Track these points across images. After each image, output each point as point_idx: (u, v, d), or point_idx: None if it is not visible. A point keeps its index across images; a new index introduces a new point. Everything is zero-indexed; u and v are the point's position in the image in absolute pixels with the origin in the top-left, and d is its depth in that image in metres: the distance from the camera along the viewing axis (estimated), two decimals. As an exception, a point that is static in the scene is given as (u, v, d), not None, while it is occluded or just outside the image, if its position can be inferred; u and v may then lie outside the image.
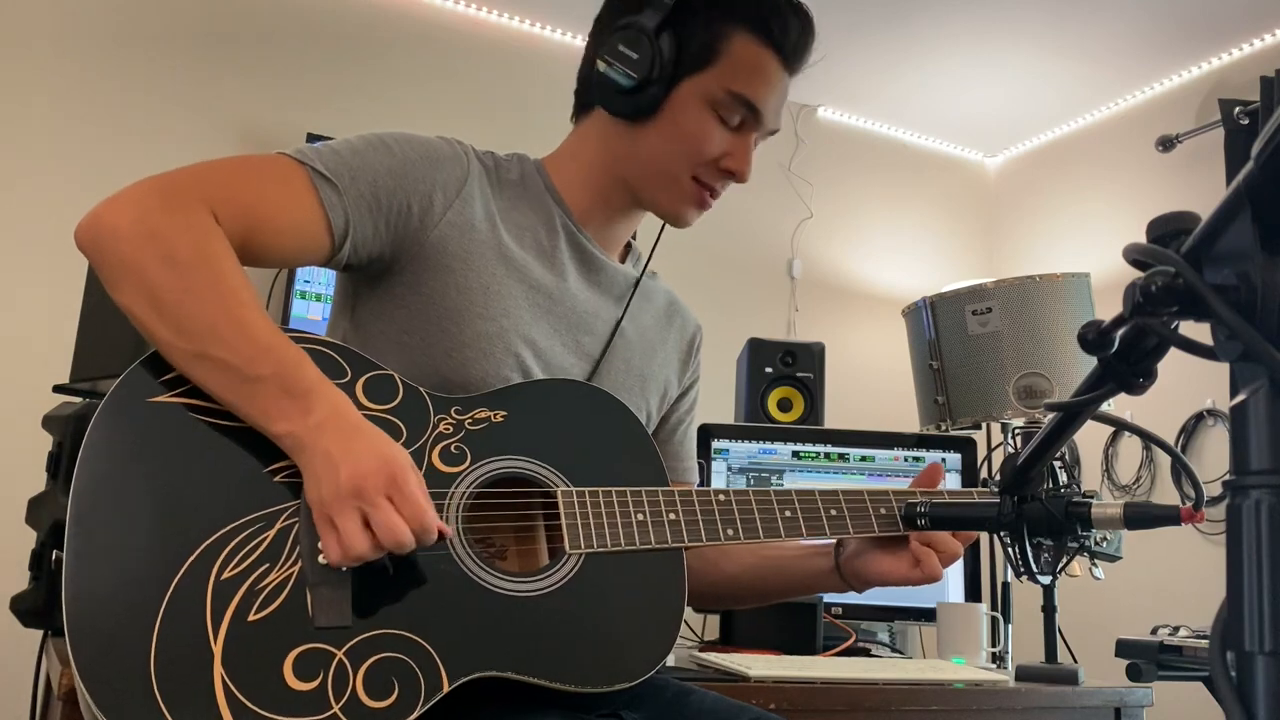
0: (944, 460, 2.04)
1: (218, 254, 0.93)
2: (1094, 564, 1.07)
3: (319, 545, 0.89)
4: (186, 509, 0.88)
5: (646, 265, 1.27)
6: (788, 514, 1.08)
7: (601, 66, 1.12)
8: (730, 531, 1.05)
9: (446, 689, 0.88)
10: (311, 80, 3.03)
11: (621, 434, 1.09)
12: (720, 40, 1.12)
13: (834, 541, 1.18)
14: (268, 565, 0.88)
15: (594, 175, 1.19)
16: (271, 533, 0.89)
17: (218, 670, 0.82)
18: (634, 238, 1.30)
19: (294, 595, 0.87)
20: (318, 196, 1.01)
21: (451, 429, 1.00)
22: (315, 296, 2.80)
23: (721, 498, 1.07)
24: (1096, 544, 1.03)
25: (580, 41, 3.38)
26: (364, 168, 1.04)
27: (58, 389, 1.60)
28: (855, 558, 1.15)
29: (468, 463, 0.99)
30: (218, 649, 0.83)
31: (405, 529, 0.87)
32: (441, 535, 0.91)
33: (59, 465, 1.39)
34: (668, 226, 1.23)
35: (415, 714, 0.86)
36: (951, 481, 2.03)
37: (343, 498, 0.87)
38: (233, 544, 0.87)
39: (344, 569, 0.88)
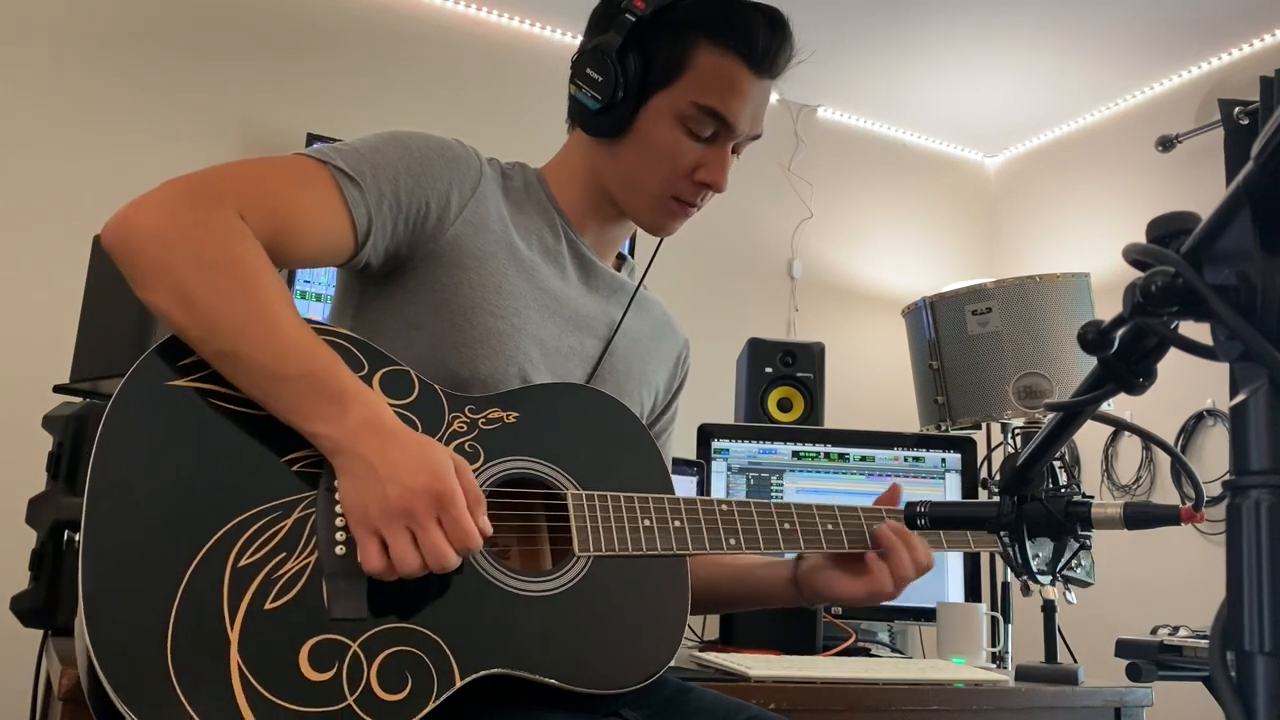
0: (944, 460, 2.04)
1: (248, 253, 0.93)
2: (1067, 589, 1.08)
3: (340, 547, 0.89)
4: (204, 495, 0.88)
5: (645, 276, 1.29)
6: (786, 526, 1.11)
7: (572, 90, 1.15)
8: (733, 541, 1.08)
9: (458, 684, 0.88)
10: (311, 80, 3.03)
11: (629, 439, 1.11)
12: (686, 54, 1.10)
13: (794, 555, 1.20)
14: (285, 554, 0.88)
15: (583, 186, 1.20)
16: (289, 521, 0.89)
17: (234, 658, 0.82)
18: (629, 250, 1.31)
19: (310, 585, 0.87)
20: (341, 195, 1.01)
21: (465, 427, 1.01)
22: (315, 297, 2.80)
23: (724, 507, 1.09)
24: (1070, 569, 1.03)
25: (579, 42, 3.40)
26: (384, 165, 1.04)
27: (58, 389, 1.60)
28: (814, 573, 1.17)
29: (480, 461, 1.00)
30: (234, 637, 0.83)
31: (452, 554, 0.88)
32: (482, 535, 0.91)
33: (59, 465, 1.38)
34: (666, 240, 1.25)
35: (428, 708, 0.86)
36: (951, 481, 2.03)
37: (392, 516, 0.87)
38: (250, 531, 0.87)
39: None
